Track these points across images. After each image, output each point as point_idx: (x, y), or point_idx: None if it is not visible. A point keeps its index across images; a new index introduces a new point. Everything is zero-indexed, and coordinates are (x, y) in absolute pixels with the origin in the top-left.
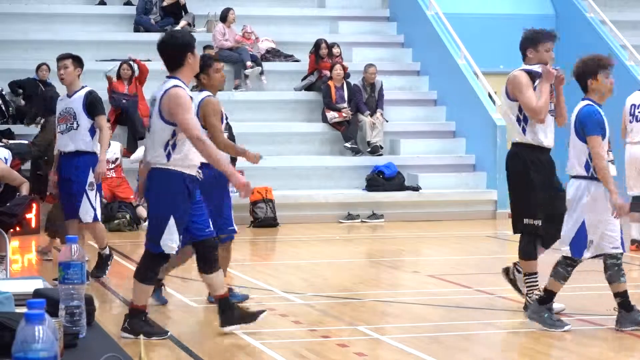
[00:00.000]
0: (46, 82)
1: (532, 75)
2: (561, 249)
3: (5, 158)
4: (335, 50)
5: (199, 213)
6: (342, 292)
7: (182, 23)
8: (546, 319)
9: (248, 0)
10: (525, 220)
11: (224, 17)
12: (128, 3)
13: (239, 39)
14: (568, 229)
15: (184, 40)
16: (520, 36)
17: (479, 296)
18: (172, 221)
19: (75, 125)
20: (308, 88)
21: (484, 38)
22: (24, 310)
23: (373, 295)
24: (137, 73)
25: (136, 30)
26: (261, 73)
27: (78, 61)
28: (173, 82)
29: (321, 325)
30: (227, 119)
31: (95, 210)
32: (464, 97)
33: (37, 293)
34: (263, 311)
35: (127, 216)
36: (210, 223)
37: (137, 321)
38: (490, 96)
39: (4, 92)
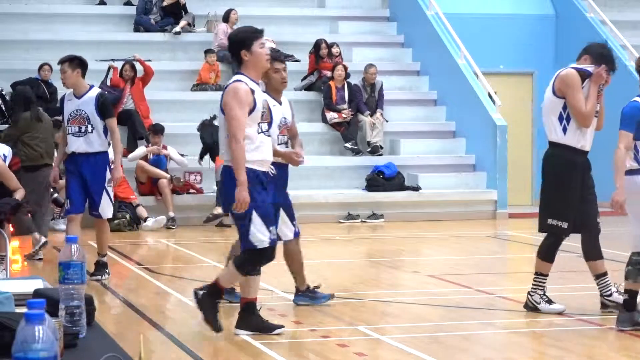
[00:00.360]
0: (48, 82)
1: (582, 74)
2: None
3: (4, 155)
4: (334, 50)
5: None
6: (342, 292)
7: (182, 23)
8: None
9: (248, 0)
10: (550, 221)
11: (226, 17)
12: (128, 3)
13: None
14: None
15: (237, 38)
16: (519, 36)
17: (478, 296)
18: (254, 215)
19: (90, 129)
20: (308, 88)
21: (484, 38)
22: (24, 310)
23: (373, 295)
24: (139, 74)
25: (136, 30)
26: None
27: (76, 62)
28: (236, 77)
29: (321, 325)
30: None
31: (112, 206)
32: (464, 97)
33: (37, 293)
34: (281, 326)
35: (127, 216)
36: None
37: (250, 316)
38: (490, 96)
39: (4, 92)
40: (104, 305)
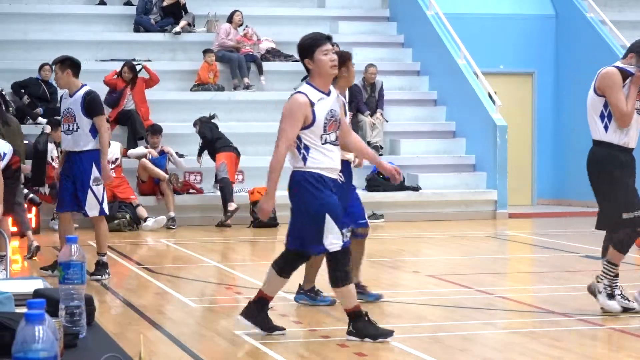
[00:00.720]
0: (48, 82)
1: (624, 73)
2: None
3: (4, 153)
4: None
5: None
6: None
7: (182, 23)
8: None
9: (248, 0)
10: (625, 215)
11: (230, 18)
12: (128, 3)
13: (239, 39)
14: None
15: (301, 46)
16: (519, 36)
17: (478, 296)
18: (328, 219)
19: (75, 127)
20: None
21: (484, 38)
22: (24, 310)
23: None
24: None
25: (136, 30)
26: (261, 73)
27: (67, 63)
28: (301, 87)
29: (322, 325)
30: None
31: (101, 204)
32: (464, 97)
33: (37, 293)
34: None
35: (127, 216)
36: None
37: (362, 323)
38: (490, 96)
39: (4, 92)
40: (104, 305)
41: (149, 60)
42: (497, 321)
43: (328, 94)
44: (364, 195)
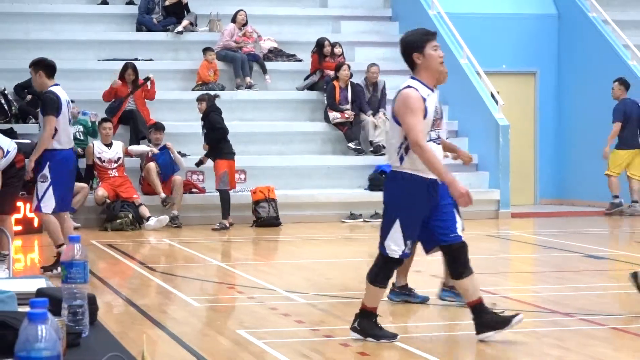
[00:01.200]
0: None
1: None
2: None
3: (8, 150)
4: (337, 50)
5: (444, 218)
6: (345, 291)
7: (185, 23)
8: None
9: (251, 0)
10: None
11: (234, 17)
12: (130, 2)
13: (238, 39)
14: None
15: (408, 40)
16: (522, 35)
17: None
18: (397, 224)
19: (39, 127)
20: (310, 87)
21: (487, 38)
22: (26, 309)
23: None
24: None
25: (138, 29)
26: (265, 72)
27: (40, 65)
28: (408, 82)
29: (323, 324)
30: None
31: (39, 201)
32: (466, 97)
33: (40, 292)
34: (517, 314)
35: (130, 215)
36: (457, 227)
37: (367, 322)
38: (492, 96)
39: (6, 92)
40: (107, 305)
41: (150, 60)
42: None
43: (433, 90)
44: (366, 195)
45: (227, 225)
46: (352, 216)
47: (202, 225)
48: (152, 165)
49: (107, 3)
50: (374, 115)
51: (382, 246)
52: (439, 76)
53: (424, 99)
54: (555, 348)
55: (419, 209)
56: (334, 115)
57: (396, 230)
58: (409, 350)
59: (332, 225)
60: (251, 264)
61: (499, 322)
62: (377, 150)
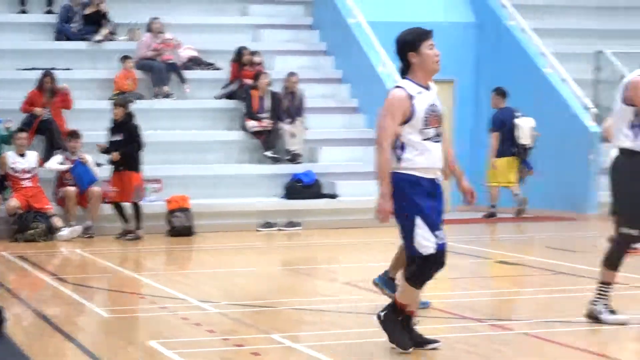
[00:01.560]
0: None
1: None
2: None
3: None
4: (256, 59)
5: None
6: (258, 300)
7: (104, 32)
8: None
9: (171, 9)
10: (622, 229)
11: (149, 27)
12: (49, 12)
13: (157, 46)
14: None
15: (404, 40)
16: (441, 44)
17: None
18: (419, 221)
19: None
20: (229, 96)
21: None
22: None
23: (289, 304)
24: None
25: (58, 38)
26: (183, 81)
27: None
28: (399, 82)
29: (235, 334)
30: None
31: None
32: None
33: None
34: (435, 341)
35: (42, 226)
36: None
37: (393, 319)
38: None
39: None
40: (16, 317)
41: (68, 69)
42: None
43: (427, 88)
44: (282, 203)
45: (138, 237)
46: (268, 225)
47: (114, 235)
48: (71, 191)
49: (25, 12)
50: (292, 123)
51: (412, 250)
52: (429, 54)
53: (412, 97)
54: (468, 354)
55: (431, 200)
56: (251, 123)
57: (420, 228)
58: (320, 358)
59: (247, 234)
60: (164, 274)
61: (409, 342)
62: (294, 158)
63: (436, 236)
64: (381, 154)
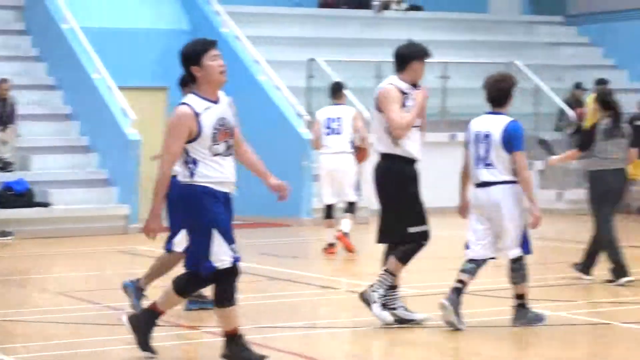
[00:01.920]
0: None
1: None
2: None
3: None
4: None
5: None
6: None
7: None
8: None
9: None
10: (411, 229)
11: None
12: None
13: None
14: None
15: (184, 54)
16: (155, 51)
17: (107, 312)
18: (216, 234)
19: None
20: None
21: (121, 53)
22: None
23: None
24: None
25: None
26: None
27: None
28: (184, 99)
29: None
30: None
31: None
32: (98, 112)
33: None
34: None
35: None
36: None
37: (238, 347)
38: (124, 111)
39: None
40: None
41: None
42: (123, 337)
43: (216, 101)
44: None
45: None
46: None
47: None
48: None
49: None
50: (3, 131)
51: (208, 264)
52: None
53: (198, 114)
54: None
55: (224, 214)
56: None
57: (217, 240)
58: None
59: None
60: None
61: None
62: (5, 166)
63: (232, 250)
64: (160, 173)
